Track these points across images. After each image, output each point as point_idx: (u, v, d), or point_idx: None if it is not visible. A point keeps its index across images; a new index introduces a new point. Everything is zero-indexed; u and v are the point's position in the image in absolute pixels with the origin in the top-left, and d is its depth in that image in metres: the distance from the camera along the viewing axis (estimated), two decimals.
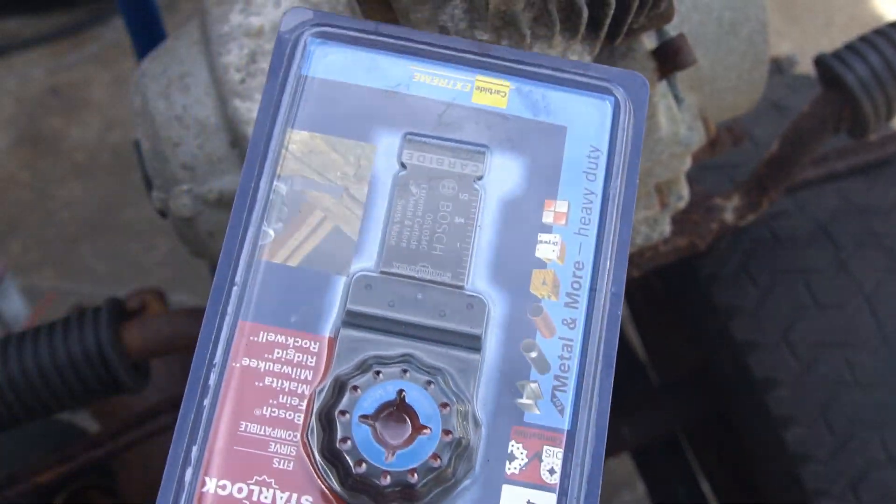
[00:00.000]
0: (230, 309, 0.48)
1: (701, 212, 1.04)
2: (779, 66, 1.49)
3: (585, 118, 0.54)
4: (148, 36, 1.50)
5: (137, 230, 2.23)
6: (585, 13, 0.60)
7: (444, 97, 0.54)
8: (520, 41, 0.61)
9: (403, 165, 0.52)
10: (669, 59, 0.77)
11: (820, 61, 0.97)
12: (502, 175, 0.52)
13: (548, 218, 0.52)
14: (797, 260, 1.08)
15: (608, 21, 0.62)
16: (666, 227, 0.90)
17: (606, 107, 0.54)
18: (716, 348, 1.12)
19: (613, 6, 0.60)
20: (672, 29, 0.83)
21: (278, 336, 0.48)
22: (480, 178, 0.52)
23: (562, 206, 0.52)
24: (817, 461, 1.01)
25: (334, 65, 0.54)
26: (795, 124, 0.99)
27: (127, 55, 1.47)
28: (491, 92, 0.54)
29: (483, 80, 0.54)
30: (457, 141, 0.53)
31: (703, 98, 0.89)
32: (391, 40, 0.54)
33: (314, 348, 0.48)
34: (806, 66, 2.41)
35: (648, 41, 0.82)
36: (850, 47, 0.96)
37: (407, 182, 0.52)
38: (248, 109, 0.80)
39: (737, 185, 1.05)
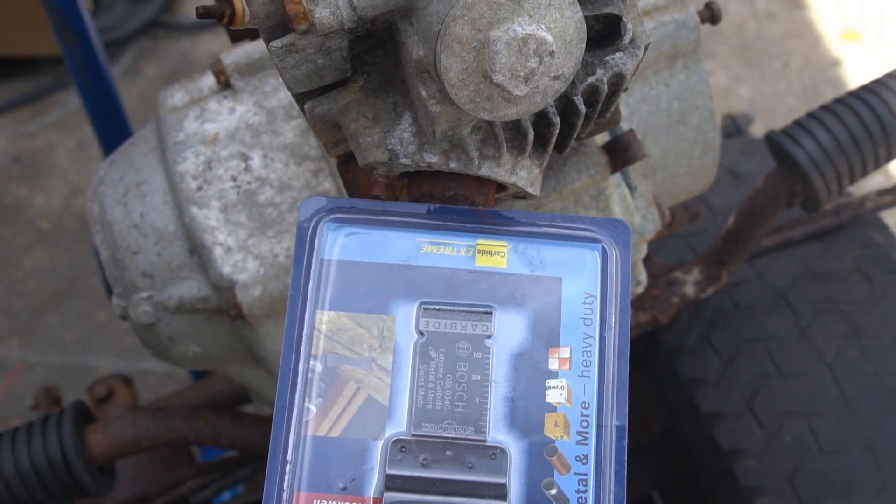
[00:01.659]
0: (286, 484, 0.55)
1: (661, 286, 1.06)
2: (735, 124, 1.50)
3: (578, 267, 0.60)
4: (104, 111, 1.51)
5: (104, 297, 2.21)
6: (531, 134, 0.61)
7: (450, 264, 0.60)
8: (468, 162, 0.61)
9: (421, 333, 0.59)
10: (619, 154, 0.78)
11: (770, 138, 0.99)
12: (509, 330, 0.59)
13: (553, 365, 0.58)
14: (758, 329, 1.09)
15: (554, 139, 0.62)
16: None
17: (595, 255, 0.60)
18: (682, 418, 1.12)
19: (559, 126, 0.61)
20: (622, 121, 0.84)
21: (330, 503, 0.55)
22: (490, 336, 0.59)
23: (564, 352, 0.58)
24: None
25: (350, 246, 0.60)
26: (750, 199, 1.00)
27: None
28: (491, 254, 0.60)
29: (483, 243, 0.61)
30: (466, 305, 0.59)
31: (657, 184, 0.90)
32: (398, 218, 0.61)
33: None
34: (763, 116, 2.44)
35: (599, 136, 0.83)
36: (798, 124, 0.97)
37: (426, 348, 0.58)
38: (206, 217, 0.80)
39: (696, 259, 1.06)
